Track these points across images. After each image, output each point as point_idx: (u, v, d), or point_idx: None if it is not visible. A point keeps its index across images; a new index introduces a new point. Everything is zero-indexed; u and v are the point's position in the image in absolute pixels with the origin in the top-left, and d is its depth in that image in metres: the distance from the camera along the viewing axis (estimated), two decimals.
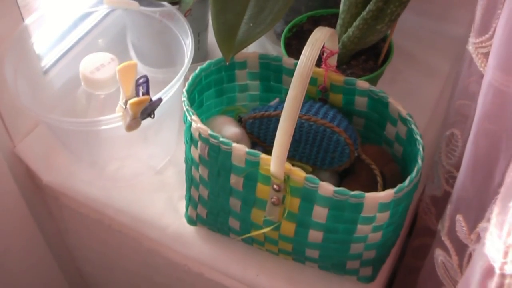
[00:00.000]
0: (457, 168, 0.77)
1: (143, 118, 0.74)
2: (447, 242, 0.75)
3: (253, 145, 0.80)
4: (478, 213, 0.67)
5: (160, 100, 0.73)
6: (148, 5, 0.88)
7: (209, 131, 0.71)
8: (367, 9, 0.76)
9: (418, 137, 0.72)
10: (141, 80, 0.73)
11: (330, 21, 0.91)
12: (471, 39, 0.70)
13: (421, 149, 0.71)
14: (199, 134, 0.72)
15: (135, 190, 0.87)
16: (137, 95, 0.73)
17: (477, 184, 0.67)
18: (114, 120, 0.74)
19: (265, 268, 0.80)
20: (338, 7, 0.92)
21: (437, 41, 1.06)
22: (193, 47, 0.81)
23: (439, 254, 0.77)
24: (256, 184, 0.71)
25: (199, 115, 0.81)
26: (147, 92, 0.73)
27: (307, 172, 0.79)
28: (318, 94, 0.80)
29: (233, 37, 0.70)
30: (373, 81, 0.84)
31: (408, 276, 0.99)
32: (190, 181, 0.79)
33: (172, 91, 0.77)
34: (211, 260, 0.82)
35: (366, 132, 0.81)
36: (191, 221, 0.83)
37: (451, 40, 1.05)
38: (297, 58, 0.87)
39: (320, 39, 0.66)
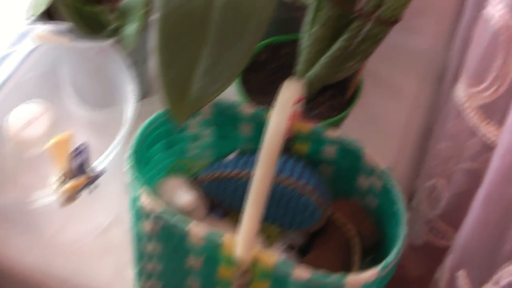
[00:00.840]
0: (444, 219, 0.69)
1: (79, 193, 0.62)
2: None
3: (210, 207, 0.69)
4: (484, 273, 0.60)
5: (102, 173, 0.61)
6: (81, 40, 0.75)
7: (161, 208, 0.59)
8: (336, 46, 0.65)
9: (398, 198, 0.63)
10: (78, 150, 0.60)
11: (290, 48, 0.80)
12: (461, 88, 0.60)
13: (403, 214, 0.61)
14: (150, 210, 0.60)
15: (78, 255, 0.75)
16: (73, 167, 0.61)
17: (486, 244, 0.60)
18: (47, 195, 0.61)
19: None
20: (297, 32, 0.80)
21: (401, 56, 0.95)
22: (135, 96, 0.68)
23: None
24: (217, 266, 0.60)
25: (146, 173, 0.69)
26: (85, 161, 0.60)
27: (274, 234, 0.69)
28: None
29: (185, 96, 0.58)
30: (341, 121, 0.74)
31: None
32: (140, 255, 0.67)
33: (111, 157, 0.64)
34: None
35: (335, 180, 0.71)
36: None
37: (416, 55, 0.95)
38: (257, 96, 0.76)
39: (288, 102, 0.55)
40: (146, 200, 0.60)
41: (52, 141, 0.58)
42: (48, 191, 0.62)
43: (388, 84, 0.92)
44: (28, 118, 0.68)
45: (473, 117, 0.61)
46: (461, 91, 0.61)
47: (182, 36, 0.58)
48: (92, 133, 0.84)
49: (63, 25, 0.76)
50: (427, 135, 0.87)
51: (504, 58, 0.54)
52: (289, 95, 0.55)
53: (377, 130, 0.86)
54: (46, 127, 0.68)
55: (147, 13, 0.66)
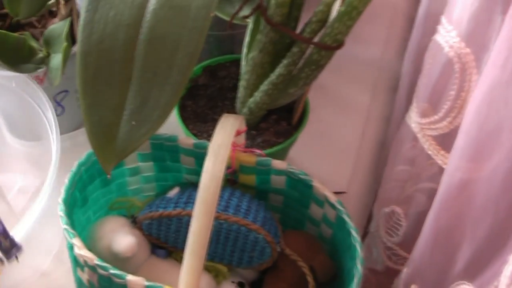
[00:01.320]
0: (402, 246, 0.65)
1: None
2: None
3: (153, 247, 0.64)
4: None
5: (18, 248, 0.54)
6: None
7: (96, 260, 0.54)
8: (276, 72, 0.61)
9: (353, 231, 0.59)
10: None
11: (229, 70, 0.75)
12: (414, 116, 0.56)
13: (359, 249, 0.57)
14: (85, 261, 0.55)
15: None
16: None
17: (437, 261, 0.58)
18: None
19: None
20: (234, 52, 0.75)
21: (350, 66, 0.90)
22: (57, 138, 0.62)
23: None
24: None
25: (84, 213, 0.64)
26: (2, 233, 0.54)
27: (223, 272, 0.64)
28: (225, 176, 0.64)
29: (112, 140, 0.53)
30: (289, 146, 0.69)
31: None
32: None
33: (36, 215, 0.59)
34: None
35: (286, 209, 0.67)
36: None
37: (366, 64, 0.90)
38: (196, 125, 0.71)
39: (224, 144, 0.50)
40: (79, 252, 0.55)
41: None
42: None
43: (338, 97, 0.87)
44: None
45: (429, 146, 0.57)
46: (414, 119, 0.57)
47: (105, 74, 0.53)
48: (28, 166, 0.79)
49: None
50: (382, 150, 0.82)
51: (458, 88, 0.50)
52: (224, 135, 0.50)
53: (329, 147, 0.81)
54: None
55: (69, 46, 0.60)
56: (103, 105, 0.53)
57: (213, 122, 0.70)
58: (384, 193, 0.68)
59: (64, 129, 0.79)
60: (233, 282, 0.64)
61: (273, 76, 0.61)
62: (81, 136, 0.79)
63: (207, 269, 0.63)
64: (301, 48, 0.58)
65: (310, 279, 0.62)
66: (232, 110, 0.71)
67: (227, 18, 0.66)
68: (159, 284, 0.53)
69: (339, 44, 0.58)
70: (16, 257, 0.54)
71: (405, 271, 0.63)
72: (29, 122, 0.74)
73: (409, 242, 0.66)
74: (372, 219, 0.72)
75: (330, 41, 0.57)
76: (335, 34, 0.57)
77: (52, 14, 0.75)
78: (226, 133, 0.50)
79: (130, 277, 0.53)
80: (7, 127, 0.78)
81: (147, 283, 0.53)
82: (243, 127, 0.60)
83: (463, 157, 0.48)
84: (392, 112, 0.81)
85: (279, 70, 0.60)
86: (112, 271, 0.54)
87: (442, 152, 0.55)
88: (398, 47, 0.90)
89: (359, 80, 0.89)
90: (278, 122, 0.69)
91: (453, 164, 0.50)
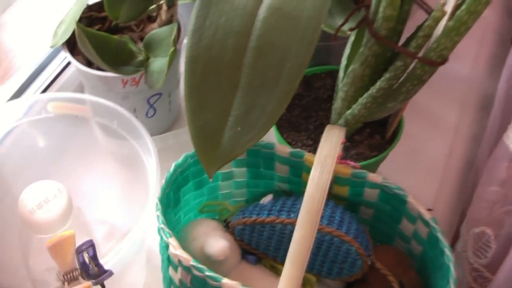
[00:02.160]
0: (490, 269, 0.63)
1: None
2: None
3: (243, 253, 0.64)
4: None
5: (110, 274, 0.54)
6: (103, 110, 0.69)
7: (191, 261, 0.54)
8: (377, 86, 0.60)
9: (447, 250, 0.57)
10: (83, 247, 0.53)
11: (324, 80, 0.74)
12: None
13: (452, 269, 0.56)
14: (179, 261, 0.55)
15: None
16: (80, 263, 0.53)
17: None
18: None
19: None
20: (331, 62, 0.75)
21: (439, 82, 0.88)
22: (158, 176, 0.62)
23: None
24: None
25: (175, 214, 0.65)
26: (93, 258, 0.53)
27: (311, 283, 0.64)
28: None
29: (216, 145, 0.53)
30: (382, 160, 0.68)
31: None
32: None
33: (120, 255, 0.58)
34: None
35: (376, 223, 0.66)
36: None
37: (455, 81, 0.88)
38: (289, 132, 0.70)
39: (331, 155, 0.49)
40: (175, 252, 0.55)
41: (52, 240, 0.51)
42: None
43: (426, 112, 0.86)
44: (41, 198, 0.62)
45: None
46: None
47: (213, 80, 0.53)
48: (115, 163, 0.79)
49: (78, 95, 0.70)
50: (469, 169, 0.80)
51: None
52: (330, 146, 0.50)
53: (416, 163, 0.80)
54: (60, 210, 0.61)
55: (175, 51, 0.61)
56: (209, 110, 0.53)
57: (307, 132, 0.70)
58: (474, 214, 0.66)
59: (154, 131, 0.80)
60: None
61: (373, 90, 0.60)
62: (171, 139, 0.79)
63: None
64: (405, 63, 0.57)
65: None
66: (326, 120, 0.70)
67: (328, 30, 0.65)
68: None
69: (444, 60, 0.57)
70: (103, 285, 0.54)
71: None
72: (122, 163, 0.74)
73: (497, 265, 0.64)
74: (458, 239, 0.70)
75: (435, 56, 0.56)
76: (440, 50, 0.55)
77: (151, 19, 0.76)
78: (332, 144, 0.50)
79: (225, 281, 0.53)
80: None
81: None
82: (342, 139, 0.59)
83: None
84: (483, 131, 0.79)
85: (380, 83, 0.59)
86: (207, 273, 0.54)
87: None
88: (488, 63, 0.88)
89: (447, 96, 0.87)
90: (372, 136, 0.69)
91: None
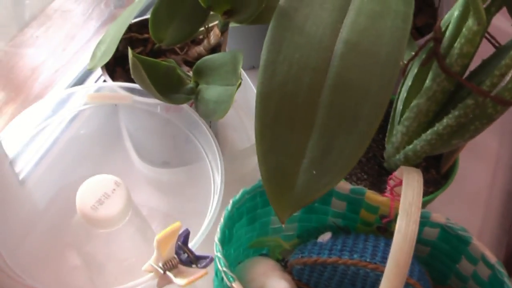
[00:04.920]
0: None
1: None
2: None
3: None
4: None
5: (211, 260, 0.52)
6: (145, 95, 0.67)
7: None
8: (444, 123, 0.57)
9: None
10: (181, 236, 0.52)
11: None
12: None
13: None
14: None
15: None
16: (177, 251, 0.52)
17: None
18: (142, 284, 0.53)
19: None
20: None
21: None
22: (222, 170, 0.60)
23: None
24: None
25: (228, 250, 0.61)
26: (185, 245, 0.52)
27: None
28: (377, 222, 0.61)
29: (290, 189, 0.49)
30: (436, 196, 0.65)
31: None
32: None
33: (203, 236, 0.56)
34: None
35: (432, 260, 0.63)
36: None
37: None
38: None
39: (416, 202, 0.46)
40: None
41: (161, 234, 0.50)
42: (145, 279, 0.53)
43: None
44: (100, 193, 0.60)
45: None
46: None
47: (287, 119, 0.50)
48: (156, 192, 0.76)
49: (122, 83, 0.68)
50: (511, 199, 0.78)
51: None
52: (413, 193, 0.47)
53: (459, 193, 0.77)
54: (122, 204, 0.59)
55: (240, 82, 0.57)
56: (282, 151, 0.50)
57: (360, 164, 0.66)
58: None
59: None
60: None
61: (439, 126, 0.57)
62: None
63: None
64: (476, 101, 0.55)
65: None
66: (378, 152, 0.67)
67: None
68: None
69: None
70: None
71: None
72: (166, 148, 0.72)
73: None
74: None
75: (509, 96, 0.53)
76: None
77: (195, 42, 0.73)
78: (415, 191, 0.47)
79: None
80: (134, 148, 0.76)
81: None
82: None
83: None
84: None
85: (447, 121, 0.56)
86: None
87: None
88: None
89: None
90: (428, 170, 0.66)
91: None
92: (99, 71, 0.73)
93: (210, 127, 0.73)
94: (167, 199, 0.74)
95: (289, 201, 0.49)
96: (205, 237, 0.57)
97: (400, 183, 0.56)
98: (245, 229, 0.63)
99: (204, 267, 0.52)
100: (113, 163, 0.75)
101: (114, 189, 0.60)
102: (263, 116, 0.50)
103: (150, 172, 0.75)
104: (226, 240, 0.60)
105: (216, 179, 0.62)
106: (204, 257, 0.53)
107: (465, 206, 0.76)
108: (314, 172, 0.49)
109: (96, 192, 0.60)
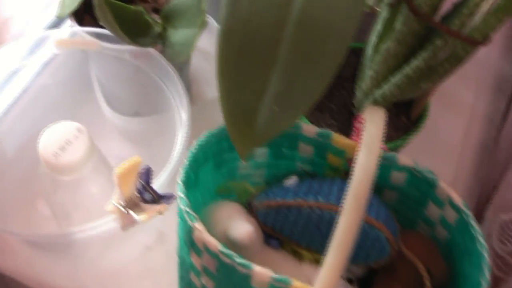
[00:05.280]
0: None
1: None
2: None
3: (266, 236, 0.60)
4: None
5: (172, 197, 0.52)
6: (114, 42, 0.66)
7: (220, 247, 0.51)
8: (413, 65, 0.56)
9: (479, 236, 0.54)
10: (142, 173, 0.52)
11: (348, 59, 0.70)
12: None
13: (486, 256, 0.53)
14: (205, 246, 0.52)
15: (117, 279, 0.66)
16: (138, 189, 0.52)
17: None
18: (105, 224, 0.53)
19: None
20: (355, 40, 0.71)
21: None
22: (189, 108, 0.59)
23: None
24: None
25: (193, 194, 0.61)
26: (147, 184, 0.52)
27: None
28: (344, 167, 0.60)
29: (251, 125, 0.49)
30: (406, 141, 0.65)
31: None
32: (188, 285, 0.59)
33: (169, 178, 0.56)
34: None
35: (399, 206, 0.62)
36: None
37: (470, 63, 0.84)
38: (311, 112, 0.67)
39: (377, 136, 0.46)
40: (201, 236, 0.51)
41: (121, 168, 0.49)
42: (108, 219, 0.53)
43: (442, 94, 0.82)
44: (62, 140, 0.59)
45: None
46: None
47: (249, 56, 0.48)
48: (126, 143, 0.76)
49: (89, 29, 0.66)
50: (485, 151, 0.78)
51: None
52: (375, 128, 0.46)
53: (432, 145, 0.77)
54: (84, 150, 0.59)
55: (204, 22, 0.56)
56: (244, 88, 0.49)
57: (330, 112, 0.66)
58: (503, 200, 0.63)
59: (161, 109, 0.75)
60: (342, 277, 0.61)
61: (408, 69, 0.56)
62: None
63: (319, 261, 0.59)
64: (445, 41, 0.54)
65: (427, 282, 0.58)
66: (349, 100, 0.67)
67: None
68: (287, 278, 0.50)
69: (487, 40, 0.53)
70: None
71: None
72: (136, 97, 0.71)
73: None
74: (482, 224, 0.67)
75: (479, 36, 0.53)
76: (486, 29, 0.52)
77: None
78: (377, 125, 0.46)
79: (256, 268, 0.50)
80: (107, 102, 0.75)
81: (274, 276, 0.50)
82: None
83: None
84: (499, 112, 0.76)
85: (416, 63, 0.56)
86: (237, 260, 0.50)
87: None
88: (504, 45, 0.85)
89: (463, 78, 0.84)
90: (398, 116, 0.65)
91: None
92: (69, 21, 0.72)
93: (181, 76, 0.72)
94: (138, 149, 0.73)
95: (250, 137, 0.49)
96: (171, 181, 0.56)
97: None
98: (211, 174, 0.62)
99: (169, 202, 0.52)
100: (83, 113, 0.74)
101: (76, 136, 0.60)
102: (226, 52, 0.49)
103: (121, 121, 0.74)
104: (191, 184, 0.59)
105: (184, 120, 0.61)
106: (168, 196, 0.53)
107: (439, 158, 0.76)
108: (276, 108, 0.48)
109: (58, 139, 0.59)
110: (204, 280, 0.55)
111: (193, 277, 0.57)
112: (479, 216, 0.69)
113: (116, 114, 0.73)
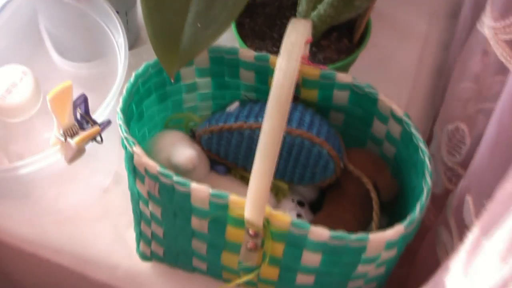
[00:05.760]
0: (464, 166, 0.60)
1: (86, 144, 0.54)
2: (452, 222, 0.59)
3: (212, 163, 0.60)
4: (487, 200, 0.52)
5: (108, 123, 0.53)
6: None
7: (158, 168, 0.51)
8: None
9: (422, 145, 0.54)
10: (78, 101, 0.53)
11: None
12: (487, 21, 0.51)
13: (428, 163, 0.53)
14: (146, 170, 0.52)
15: (75, 221, 0.67)
16: (76, 119, 0.53)
17: (493, 170, 0.51)
18: (50, 156, 0.54)
19: None
20: None
21: None
22: (126, 47, 0.59)
23: (441, 232, 0.61)
24: (225, 227, 0.52)
25: (140, 128, 0.61)
26: (86, 113, 0.52)
27: (283, 191, 0.61)
28: None
29: (176, 44, 0.49)
30: (350, 64, 0.65)
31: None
32: (139, 216, 0.59)
33: (109, 107, 0.56)
34: None
35: (347, 128, 0.63)
36: (144, 257, 0.64)
37: None
38: (252, 41, 0.67)
39: (298, 43, 0.46)
40: (140, 160, 0.52)
41: (52, 92, 0.49)
42: (51, 151, 0.54)
43: (396, 22, 0.82)
44: (8, 83, 0.59)
45: (502, 52, 0.52)
46: (488, 24, 0.52)
47: None
48: (79, 89, 0.76)
49: None
50: (440, 76, 0.78)
51: None
52: (297, 35, 0.46)
53: (387, 73, 0.76)
54: (30, 91, 0.59)
55: None
56: (167, 8, 0.49)
57: (272, 40, 0.66)
58: (447, 111, 0.63)
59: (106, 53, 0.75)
60: (293, 200, 0.61)
61: None
62: (131, 58, 0.75)
63: None
64: None
65: (374, 195, 0.58)
66: None
67: None
68: (224, 192, 0.50)
69: None
70: (101, 137, 0.54)
71: (461, 184, 0.59)
72: (84, 42, 0.71)
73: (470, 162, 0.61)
74: (432, 141, 0.67)
75: None
76: None
77: None
78: (299, 33, 0.46)
79: (194, 185, 0.50)
80: (57, 49, 0.74)
81: (212, 191, 0.50)
82: (309, 37, 0.55)
83: None
84: (453, 34, 0.76)
85: None
86: (175, 179, 0.50)
87: None
88: None
89: (416, 5, 0.84)
90: (339, 40, 0.65)
91: None
92: None
93: (128, 19, 0.72)
94: (90, 95, 0.73)
95: (176, 55, 0.49)
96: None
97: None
98: (156, 107, 0.62)
99: (103, 129, 0.52)
100: (35, 63, 0.74)
101: (21, 78, 0.60)
102: None
103: (71, 68, 0.74)
104: (134, 116, 0.59)
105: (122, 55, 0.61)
106: (105, 122, 0.53)
107: (394, 84, 0.75)
108: (199, 25, 0.49)
109: (4, 82, 0.60)
110: (151, 207, 0.55)
111: (142, 206, 0.57)
112: (432, 137, 0.69)
113: (66, 61, 0.73)
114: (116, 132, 0.55)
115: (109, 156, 0.69)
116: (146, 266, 0.64)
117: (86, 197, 0.68)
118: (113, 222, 0.67)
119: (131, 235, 0.64)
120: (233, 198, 0.50)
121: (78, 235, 0.66)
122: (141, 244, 0.62)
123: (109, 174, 0.70)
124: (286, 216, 0.49)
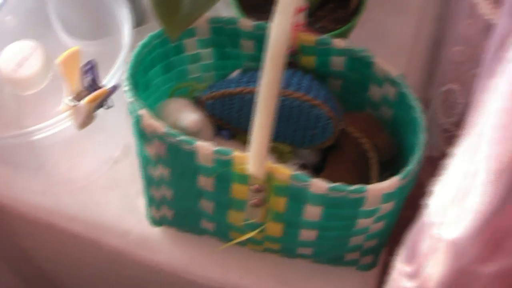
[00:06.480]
0: (459, 127, 0.62)
1: (96, 110, 0.57)
2: None
3: (217, 129, 0.63)
4: None
5: (116, 87, 0.55)
6: None
7: (165, 128, 0.53)
8: None
9: (415, 103, 0.57)
10: (87, 67, 0.55)
11: None
12: None
13: (421, 119, 0.55)
14: (153, 132, 0.54)
15: (87, 191, 0.70)
16: (84, 86, 0.55)
17: None
18: (61, 122, 0.57)
19: (249, 268, 0.64)
20: None
21: None
22: (130, 18, 0.62)
23: None
24: (230, 185, 0.55)
25: (146, 98, 0.63)
26: (95, 79, 0.55)
27: (285, 153, 0.63)
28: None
29: (176, 9, 0.51)
30: (347, 33, 0.67)
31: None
32: (148, 181, 0.62)
33: (116, 76, 0.59)
34: (185, 265, 0.66)
35: (345, 94, 0.65)
36: (155, 222, 0.66)
37: None
38: (254, 15, 0.69)
39: (291, 2, 0.48)
40: (147, 122, 0.54)
41: (62, 56, 0.52)
42: (62, 116, 0.56)
43: None
44: (19, 57, 0.62)
45: (487, 11, 0.54)
46: None
47: None
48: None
49: None
50: (436, 47, 0.79)
51: None
52: None
53: (384, 46, 0.78)
54: (40, 64, 0.62)
55: None
56: None
57: (269, 14, 0.68)
58: (441, 75, 0.65)
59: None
60: (295, 164, 0.63)
61: None
62: (137, 35, 0.77)
63: (270, 149, 0.62)
64: None
65: (372, 156, 0.60)
66: None
67: None
68: (227, 148, 0.52)
69: None
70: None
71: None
72: (92, 20, 0.74)
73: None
74: (429, 107, 0.69)
75: None
76: None
77: None
78: None
79: (199, 143, 0.52)
80: (65, 28, 0.77)
81: (215, 148, 0.52)
82: (304, 4, 0.58)
83: None
84: (447, 5, 0.77)
85: None
86: (181, 137, 0.53)
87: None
88: None
89: None
90: (335, 10, 0.67)
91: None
92: None
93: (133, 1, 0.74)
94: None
95: (177, 20, 0.52)
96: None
97: (298, 11, 0.58)
98: (161, 78, 0.64)
99: (111, 92, 0.55)
100: (43, 42, 0.76)
101: (32, 52, 0.63)
102: None
103: (79, 47, 0.76)
104: (141, 87, 0.61)
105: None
106: (113, 86, 0.56)
107: (390, 58, 0.77)
108: None
109: (16, 56, 0.62)
110: (160, 169, 0.58)
111: (151, 170, 0.60)
112: (429, 104, 0.72)
113: (73, 40, 0.75)
114: (123, 106, 0.58)
115: (118, 129, 0.71)
116: (156, 231, 0.67)
117: (97, 168, 0.71)
118: (124, 191, 0.70)
119: (141, 202, 0.67)
120: (236, 153, 0.52)
121: (91, 204, 0.69)
122: (151, 209, 0.65)
123: (118, 146, 0.72)
124: (287, 169, 0.51)
